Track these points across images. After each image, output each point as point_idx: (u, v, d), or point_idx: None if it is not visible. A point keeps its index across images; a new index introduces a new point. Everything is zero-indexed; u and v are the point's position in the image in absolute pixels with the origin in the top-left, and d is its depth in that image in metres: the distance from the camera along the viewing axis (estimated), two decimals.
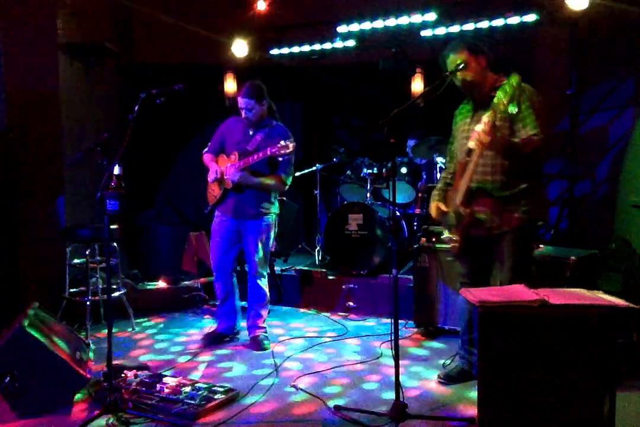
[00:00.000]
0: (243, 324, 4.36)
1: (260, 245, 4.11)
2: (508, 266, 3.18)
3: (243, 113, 4.04)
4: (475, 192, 3.16)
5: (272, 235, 4.21)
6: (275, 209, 4.20)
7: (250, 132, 4.11)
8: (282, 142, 3.77)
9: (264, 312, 4.25)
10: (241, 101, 4.01)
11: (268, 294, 4.26)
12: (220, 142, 4.23)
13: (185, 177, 6.76)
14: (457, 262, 3.52)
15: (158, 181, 6.95)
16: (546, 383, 2.35)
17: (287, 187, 4.14)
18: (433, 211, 3.43)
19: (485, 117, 2.90)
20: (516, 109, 3.01)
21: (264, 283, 4.21)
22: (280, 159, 3.92)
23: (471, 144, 3.07)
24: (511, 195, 3.12)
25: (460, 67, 3.13)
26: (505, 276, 3.16)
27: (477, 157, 3.04)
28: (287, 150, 3.78)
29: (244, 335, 4.32)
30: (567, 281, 3.73)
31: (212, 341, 4.20)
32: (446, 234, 3.33)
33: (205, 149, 4.32)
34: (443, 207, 3.34)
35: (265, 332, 4.25)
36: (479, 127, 2.92)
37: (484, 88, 3.23)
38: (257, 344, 4.13)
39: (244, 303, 4.36)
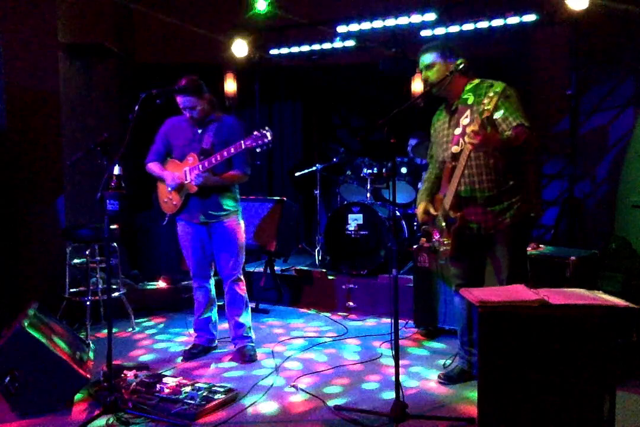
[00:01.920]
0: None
1: (232, 246, 3.90)
2: (505, 265, 3.17)
3: (187, 112, 3.75)
4: (464, 195, 3.16)
5: (243, 234, 3.97)
6: (239, 206, 3.97)
7: (199, 131, 3.84)
8: (256, 132, 3.47)
9: (246, 320, 4.01)
10: (181, 100, 3.70)
11: (247, 298, 4.02)
12: (166, 146, 3.94)
13: None
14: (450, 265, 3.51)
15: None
16: (546, 383, 2.35)
17: (247, 177, 3.88)
18: (420, 212, 3.39)
19: (471, 119, 2.91)
20: (501, 114, 3.02)
21: (240, 287, 3.97)
22: (258, 149, 3.54)
23: (455, 148, 3.11)
24: (499, 194, 3.12)
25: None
26: (504, 274, 3.17)
27: (465, 161, 3.03)
28: (267, 140, 3.47)
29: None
30: (567, 281, 3.72)
31: (194, 356, 3.96)
32: (435, 238, 3.32)
33: (148, 158, 3.99)
34: (432, 211, 3.31)
35: (252, 341, 4.03)
36: (458, 131, 2.95)
37: (452, 91, 3.24)
38: (242, 355, 3.92)
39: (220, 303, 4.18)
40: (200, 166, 3.71)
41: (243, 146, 3.53)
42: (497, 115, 2.94)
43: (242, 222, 4.00)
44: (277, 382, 3.52)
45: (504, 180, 3.12)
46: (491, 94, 2.81)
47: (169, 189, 3.89)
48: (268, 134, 3.47)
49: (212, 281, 4.08)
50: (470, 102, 3.15)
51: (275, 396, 3.34)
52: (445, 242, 3.23)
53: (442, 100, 3.39)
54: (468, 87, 3.21)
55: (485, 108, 2.78)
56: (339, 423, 3.01)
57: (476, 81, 3.22)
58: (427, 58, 3.25)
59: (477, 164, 3.13)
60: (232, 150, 3.58)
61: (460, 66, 3.13)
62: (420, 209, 3.40)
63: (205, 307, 4.05)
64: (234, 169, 3.82)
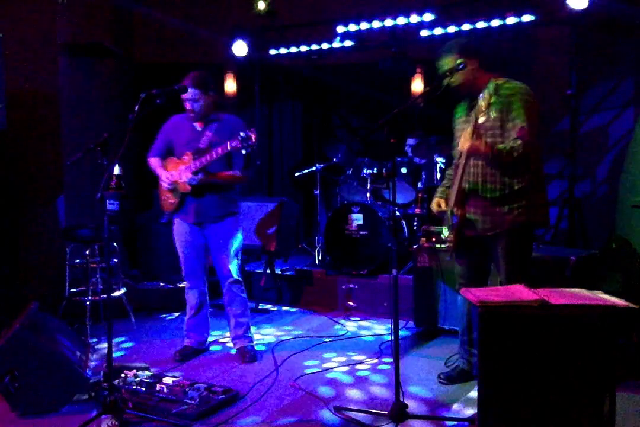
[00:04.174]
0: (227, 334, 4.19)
1: (229, 248, 3.86)
2: (504, 269, 3.17)
3: (188, 105, 3.73)
4: (469, 193, 3.16)
5: (240, 236, 3.94)
6: (237, 207, 3.94)
7: (199, 129, 3.82)
8: (242, 134, 3.42)
9: (245, 320, 3.99)
10: None
11: (246, 298, 4.00)
12: (166, 143, 3.93)
13: None
14: (455, 263, 3.52)
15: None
16: (546, 383, 2.35)
17: (249, 178, 3.88)
18: (434, 207, 3.42)
19: (486, 119, 2.90)
20: (494, 115, 3.01)
21: (240, 289, 3.95)
22: (243, 151, 3.50)
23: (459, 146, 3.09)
24: (503, 196, 3.09)
25: (460, 67, 3.11)
26: (502, 278, 3.17)
27: (464, 160, 3.04)
28: (251, 142, 3.42)
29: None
30: (567, 281, 3.72)
31: (185, 358, 3.93)
32: (446, 233, 3.33)
33: (150, 153, 3.97)
34: (443, 205, 3.32)
35: (251, 341, 4.02)
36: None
37: (476, 89, 3.15)
38: (242, 355, 3.91)
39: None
40: (192, 166, 3.69)
41: (229, 147, 3.51)
42: (493, 115, 2.93)
43: (239, 225, 3.97)
44: (277, 382, 3.52)
45: (509, 183, 3.08)
46: (503, 97, 2.78)
47: (164, 187, 3.89)
48: (252, 136, 3.43)
49: (204, 283, 4.04)
50: (489, 101, 3.04)
51: (275, 396, 3.34)
52: (450, 238, 3.24)
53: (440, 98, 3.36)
54: (491, 85, 3.04)
55: (482, 111, 2.77)
56: (339, 423, 3.01)
57: (501, 81, 3.11)
58: (450, 61, 3.14)
59: (482, 164, 3.11)
60: (220, 150, 3.56)
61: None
62: (434, 204, 3.42)
63: (195, 309, 4.02)
64: (233, 170, 3.81)
